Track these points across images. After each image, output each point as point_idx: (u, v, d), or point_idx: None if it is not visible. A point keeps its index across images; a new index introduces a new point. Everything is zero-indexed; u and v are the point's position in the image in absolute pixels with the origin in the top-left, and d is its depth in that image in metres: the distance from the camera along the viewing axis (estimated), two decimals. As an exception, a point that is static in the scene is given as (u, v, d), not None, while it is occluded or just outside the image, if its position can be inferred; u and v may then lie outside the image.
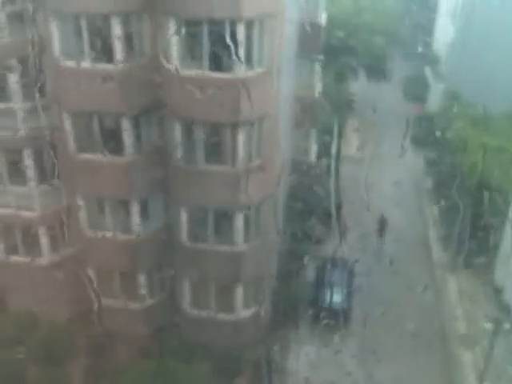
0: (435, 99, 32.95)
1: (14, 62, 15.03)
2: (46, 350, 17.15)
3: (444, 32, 32.79)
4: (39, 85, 15.25)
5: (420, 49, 36.65)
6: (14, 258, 18.08)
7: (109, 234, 16.88)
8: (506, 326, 18.59)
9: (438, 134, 27.15)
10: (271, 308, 19.09)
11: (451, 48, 30.48)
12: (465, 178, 22.58)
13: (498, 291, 20.81)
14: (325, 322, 19.63)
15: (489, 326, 18.86)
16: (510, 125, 24.76)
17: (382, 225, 23.96)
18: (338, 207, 24.73)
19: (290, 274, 20.70)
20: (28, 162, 16.36)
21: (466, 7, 28.17)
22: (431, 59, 35.18)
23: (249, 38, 13.99)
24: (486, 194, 19.50)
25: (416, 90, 34.04)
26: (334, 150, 24.78)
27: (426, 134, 28.00)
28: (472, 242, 20.75)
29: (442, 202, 24.86)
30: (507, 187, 20.36)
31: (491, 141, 22.71)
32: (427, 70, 35.57)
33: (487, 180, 20.37)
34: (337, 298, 20.09)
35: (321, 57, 20.67)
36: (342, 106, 30.96)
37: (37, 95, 15.62)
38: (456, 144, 25.10)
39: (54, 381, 16.71)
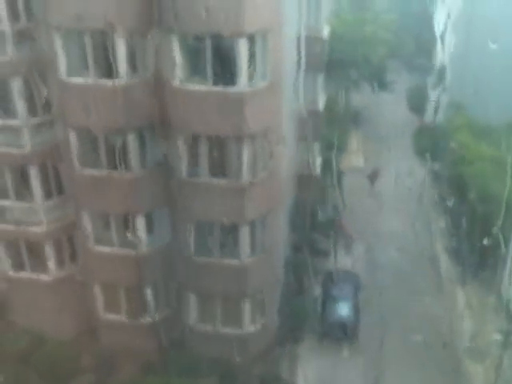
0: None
1: (19, 79, 15.14)
2: (52, 367, 17.09)
3: (445, 43, 32.90)
4: (44, 101, 15.40)
5: (422, 60, 36.80)
6: (20, 274, 18.06)
7: (114, 249, 16.89)
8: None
9: (441, 145, 27.14)
10: (278, 322, 18.98)
11: (453, 59, 30.55)
12: (470, 190, 22.52)
13: (506, 303, 20.63)
14: (332, 335, 19.55)
15: (498, 337, 18.68)
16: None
17: (375, 174, 27.42)
18: (343, 220, 24.81)
19: (297, 287, 20.61)
20: (34, 177, 16.41)
21: (467, 19, 28.28)
22: (432, 71, 35.28)
23: (251, 52, 14.08)
24: (492, 205, 19.43)
25: (418, 102, 34.11)
26: (337, 163, 24.90)
27: (430, 145, 27.99)
28: (479, 254, 20.62)
29: (449, 214, 24.80)
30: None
31: (495, 152, 22.68)
32: (429, 82, 35.67)
33: (492, 191, 20.30)
34: (344, 311, 19.94)
35: (324, 70, 20.75)
36: (346, 118, 31.03)
37: (42, 112, 15.74)
38: (460, 155, 25.06)
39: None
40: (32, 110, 15.56)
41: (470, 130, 25.63)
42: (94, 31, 13.90)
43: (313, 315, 20.15)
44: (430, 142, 28.15)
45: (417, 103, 33.80)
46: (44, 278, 17.85)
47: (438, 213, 26.80)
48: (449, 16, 31.62)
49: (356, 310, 20.10)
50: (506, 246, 20.52)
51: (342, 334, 19.53)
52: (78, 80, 14.57)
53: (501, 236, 19.18)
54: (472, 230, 21.28)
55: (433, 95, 32.88)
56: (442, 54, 32.66)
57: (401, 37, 35.53)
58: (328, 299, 20.45)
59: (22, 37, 14.79)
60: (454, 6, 30.31)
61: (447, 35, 31.55)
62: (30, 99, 15.45)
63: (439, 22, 34.29)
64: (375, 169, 28.22)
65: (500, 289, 21.12)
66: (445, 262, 23.89)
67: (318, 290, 21.26)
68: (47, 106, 15.62)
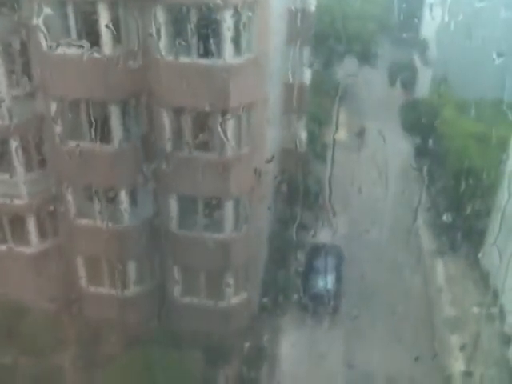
0: (424, 85, 33.02)
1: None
2: (34, 340, 17.12)
3: (432, 18, 32.76)
4: (25, 72, 15.07)
5: (408, 35, 36.63)
6: (2, 247, 17.93)
7: (97, 223, 16.80)
8: (494, 310, 18.83)
9: (425, 120, 27.20)
10: (261, 295, 19.16)
11: (439, 33, 30.43)
12: (452, 164, 22.73)
13: (485, 276, 21.03)
14: (314, 307, 19.79)
15: (476, 310, 19.10)
16: (495, 111, 24.87)
17: (362, 131, 28.70)
18: (325, 194, 24.86)
19: (280, 260, 20.77)
20: (15, 150, 16.15)
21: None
22: (419, 45, 35.21)
23: (237, 24, 13.88)
24: (473, 180, 19.64)
25: (405, 76, 34.12)
26: (322, 137, 24.89)
27: (416, 119, 28.06)
28: (460, 228, 20.90)
29: (431, 188, 25.02)
30: (493, 173, 20.48)
31: (476, 127, 22.85)
32: (415, 56, 35.64)
33: (474, 166, 20.53)
34: (325, 283, 20.19)
35: (310, 43, 20.60)
36: (331, 92, 30.88)
37: (23, 83, 15.42)
38: (443, 130, 25.18)
39: (42, 371, 16.68)
40: (13, 82, 15.22)
41: (455, 106, 25.73)
42: (77, 0, 13.58)
43: (295, 288, 20.36)
44: (416, 117, 28.24)
45: (403, 78, 33.80)
46: (26, 250, 17.75)
47: (422, 187, 26.97)
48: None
49: (338, 282, 20.35)
50: (487, 220, 20.86)
51: (323, 306, 19.78)
52: (60, 50, 14.25)
53: (481, 210, 19.51)
54: (453, 205, 21.54)
55: (420, 69, 32.89)
56: (429, 29, 32.54)
57: (389, 11, 35.29)
58: (311, 272, 20.66)
59: (2, 6, 14.38)
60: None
61: (434, 9, 31.40)
62: (11, 70, 15.10)
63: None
64: (362, 127, 29.01)
65: (479, 262, 21.50)
66: (426, 236, 24.19)
67: (301, 263, 21.44)
68: (29, 76, 15.30)
